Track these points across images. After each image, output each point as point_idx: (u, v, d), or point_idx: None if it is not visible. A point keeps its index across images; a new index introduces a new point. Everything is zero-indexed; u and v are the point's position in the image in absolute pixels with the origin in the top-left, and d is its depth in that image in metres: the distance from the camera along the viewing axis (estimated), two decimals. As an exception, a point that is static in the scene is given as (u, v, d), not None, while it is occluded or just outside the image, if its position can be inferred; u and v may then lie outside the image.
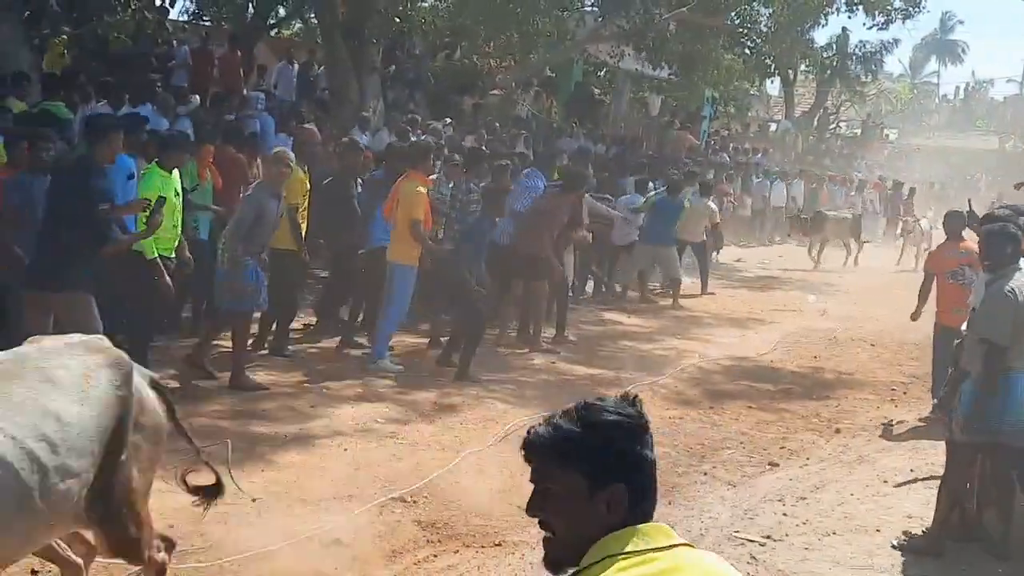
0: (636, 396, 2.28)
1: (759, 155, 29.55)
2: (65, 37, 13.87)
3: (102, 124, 7.27)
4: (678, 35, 21.78)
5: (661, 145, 25.60)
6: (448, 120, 18.31)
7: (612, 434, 2.18)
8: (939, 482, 6.43)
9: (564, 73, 24.23)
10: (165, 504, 5.03)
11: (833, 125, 39.86)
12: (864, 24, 27.93)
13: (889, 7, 26.94)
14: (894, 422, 9.38)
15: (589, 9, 22.17)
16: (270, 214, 8.64)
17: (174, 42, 16.78)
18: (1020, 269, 6.06)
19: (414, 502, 6.39)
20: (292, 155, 9.47)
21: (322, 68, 19.06)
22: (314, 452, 7.10)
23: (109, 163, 7.40)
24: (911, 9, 27.43)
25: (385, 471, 6.82)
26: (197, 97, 15.23)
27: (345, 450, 7.18)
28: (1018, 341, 5.89)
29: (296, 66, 18.90)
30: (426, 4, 19.35)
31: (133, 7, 13.05)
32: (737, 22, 21.10)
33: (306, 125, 13.39)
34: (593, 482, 2.16)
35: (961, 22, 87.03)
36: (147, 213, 7.61)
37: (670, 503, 6.75)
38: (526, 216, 11.30)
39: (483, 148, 14.23)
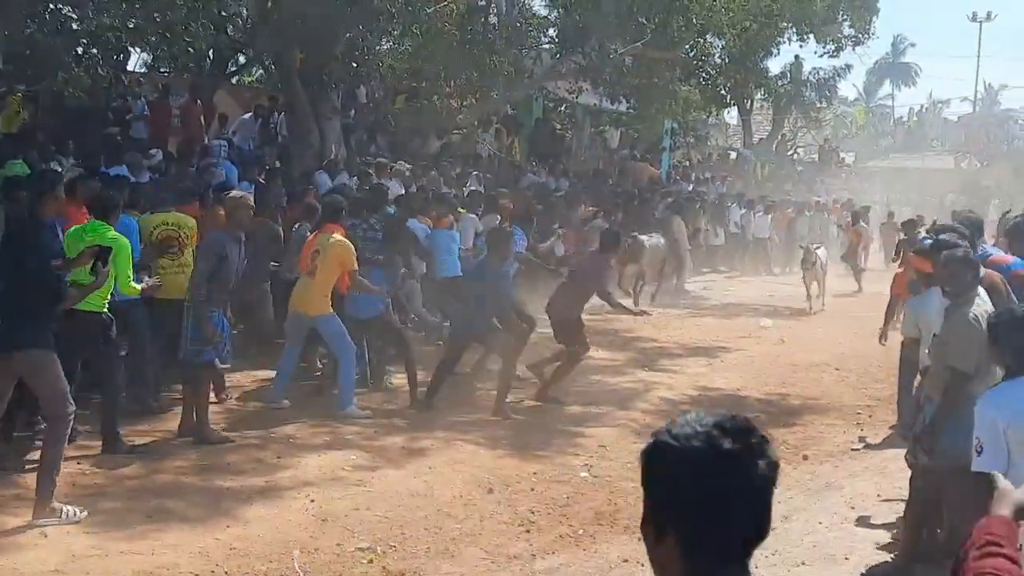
0: (742, 416, 1.86)
1: (719, 183, 29.83)
2: (19, 95, 13.80)
3: (48, 180, 7.20)
4: (634, 69, 21.98)
5: (623, 177, 25.80)
6: (408, 164, 18.38)
7: (667, 467, 1.82)
8: (905, 507, 6.48)
9: (524, 110, 24.40)
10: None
11: (791, 151, 40.29)
12: (816, 52, 28.43)
13: (839, 35, 27.45)
14: (866, 439, 9.47)
15: (546, 46, 22.34)
16: (233, 259, 8.63)
17: (128, 97, 16.73)
18: (979, 295, 6.08)
19: (383, 552, 6.35)
20: (251, 198, 9.48)
21: (281, 114, 19.09)
22: (280, 505, 7.05)
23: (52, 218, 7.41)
24: (861, 36, 27.97)
25: (352, 521, 6.78)
26: (159, 151, 15.20)
27: (312, 501, 7.13)
28: (980, 368, 5.92)
29: (255, 113, 18.91)
30: (384, 47, 19.42)
31: (87, 63, 12.99)
32: (691, 55, 21.32)
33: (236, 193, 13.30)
34: (656, 526, 1.83)
35: (913, 45, 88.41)
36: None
37: (640, 539, 6.73)
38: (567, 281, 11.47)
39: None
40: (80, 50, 13.21)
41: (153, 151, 15.21)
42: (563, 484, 7.86)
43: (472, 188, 18.14)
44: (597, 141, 28.03)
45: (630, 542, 6.71)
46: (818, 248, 18.49)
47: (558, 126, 26.68)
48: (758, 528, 1.78)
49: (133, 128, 16.44)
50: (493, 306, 10.20)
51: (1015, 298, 6.67)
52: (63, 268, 7.17)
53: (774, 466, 1.79)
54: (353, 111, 20.58)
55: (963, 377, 5.87)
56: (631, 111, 23.86)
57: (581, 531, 6.88)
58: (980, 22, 55.85)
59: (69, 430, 6.82)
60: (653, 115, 23.34)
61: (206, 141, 16.60)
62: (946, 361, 6.04)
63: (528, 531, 6.82)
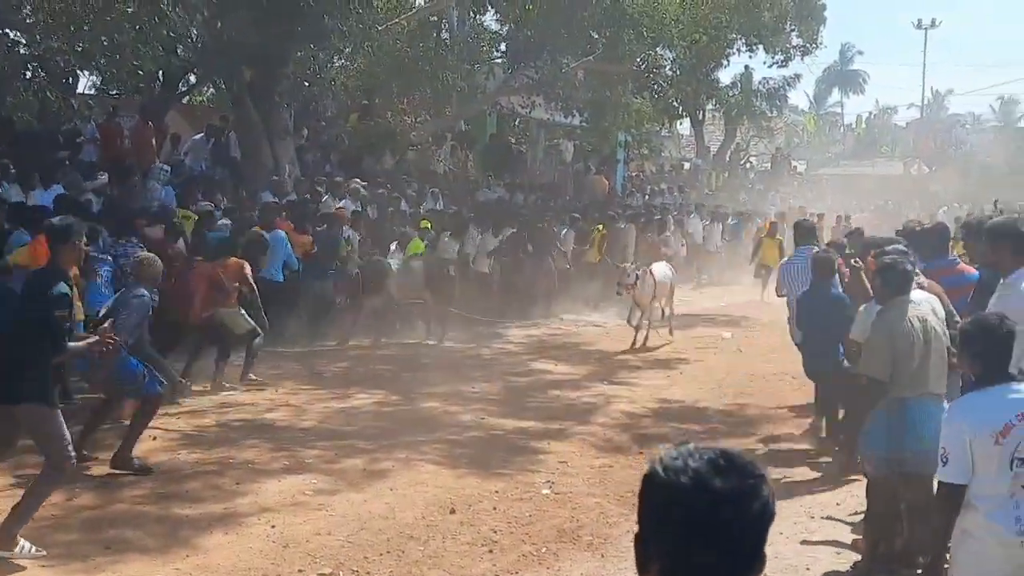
0: (740, 454, 1.81)
1: (675, 194, 30.05)
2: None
3: (67, 229, 6.92)
4: (587, 83, 22.13)
5: (579, 191, 25.91)
6: (362, 182, 18.37)
7: (653, 497, 1.78)
8: (864, 516, 6.53)
9: (478, 126, 24.44)
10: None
11: (744, 161, 40.68)
12: (765, 63, 28.74)
13: (788, 45, 27.77)
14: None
15: (499, 61, 22.42)
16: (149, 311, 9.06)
17: (77, 121, 16.55)
18: (910, 301, 6.15)
19: (345, 577, 6.30)
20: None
21: (231, 132, 18.98)
22: (241, 532, 6.96)
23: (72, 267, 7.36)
24: (809, 46, 28.31)
25: (314, 546, 6.72)
26: (106, 175, 15.04)
27: (273, 527, 7.05)
28: (905, 371, 5.98)
29: (206, 132, 18.78)
30: (336, 65, 19.38)
31: (35, 86, 12.85)
32: (643, 67, 21.48)
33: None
34: (642, 555, 1.79)
35: (860, 53, 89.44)
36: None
37: (602, 556, 6.76)
38: None
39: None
40: (28, 74, 13.03)
41: (101, 173, 15.08)
42: (525, 502, 7.84)
43: (430, 205, 18.17)
44: (552, 155, 28.13)
45: (592, 559, 6.72)
46: (654, 266, 16.04)
47: (512, 141, 26.75)
48: (746, 567, 1.74)
49: (84, 151, 16.25)
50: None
51: (954, 310, 6.77)
52: (69, 320, 6.97)
53: (767, 508, 1.74)
54: (306, 130, 20.50)
55: (876, 384, 5.96)
56: (584, 124, 23.98)
57: (544, 549, 6.86)
58: (925, 29, 56.71)
59: (62, 480, 6.75)
60: (606, 128, 23.48)
61: (157, 162, 16.46)
62: (862, 369, 6.18)
63: (491, 551, 6.80)
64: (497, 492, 8.05)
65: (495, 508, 7.67)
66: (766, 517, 1.74)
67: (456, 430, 10.24)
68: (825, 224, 25.77)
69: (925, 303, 6.23)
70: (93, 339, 7.08)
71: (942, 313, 6.32)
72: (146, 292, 8.88)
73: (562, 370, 13.68)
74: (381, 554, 6.62)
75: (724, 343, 16.28)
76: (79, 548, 6.54)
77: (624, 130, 24.90)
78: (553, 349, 15.27)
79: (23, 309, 6.65)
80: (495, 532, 7.16)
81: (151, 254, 9.48)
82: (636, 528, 1.83)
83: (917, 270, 7.15)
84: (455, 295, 15.90)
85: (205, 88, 23.98)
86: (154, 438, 9.20)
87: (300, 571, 6.33)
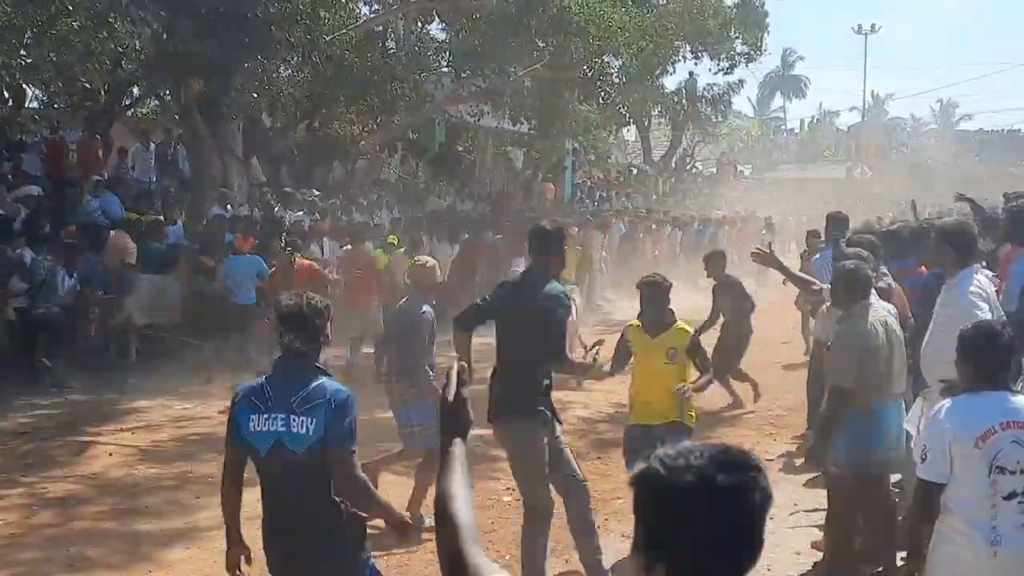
0: (738, 449, 1.83)
1: (623, 199, 30.30)
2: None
3: None
4: (534, 90, 22.23)
5: (527, 198, 26.02)
6: (316, 191, 18.35)
7: (657, 498, 1.80)
8: (825, 516, 6.65)
9: (427, 135, 24.47)
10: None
11: (690, 166, 41.08)
12: (710, 69, 29.06)
13: (732, 52, 28.08)
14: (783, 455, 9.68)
15: (446, 70, 22.47)
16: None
17: (22, 135, 16.37)
18: (871, 304, 6.21)
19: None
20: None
21: (179, 146, 18.86)
22: (203, 546, 6.94)
23: None
24: (753, 52, 28.65)
25: (279, 558, 6.71)
26: (35, 187, 14.92)
27: (236, 540, 7.03)
28: (871, 376, 6.01)
29: (153, 146, 18.64)
30: (283, 75, 19.31)
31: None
32: (590, 75, 21.63)
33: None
34: (645, 555, 1.81)
35: (802, 58, 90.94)
36: None
37: (567, 561, 6.82)
38: None
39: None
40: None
41: (30, 187, 14.96)
42: (487, 509, 7.88)
43: (383, 213, 18.20)
44: (501, 163, 28.23)
45: (557, 564, 6.78)
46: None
47: (461, 149, 26.82)
48: (748, 558, 1.79)
49: (26, 163, 16.06)
50: None
51: (909, 312, 6.89)
52: None
53: (767, 498, 1.79)
54: (254, 141, 20.41)
55: (840, 391, 5.97)
56: (533, 132, 24.08)
57: (508, 556, 6.91)
58: (865, 34, 57.65)
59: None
60: (555, 135, 23.62)
61: (104, 175, 16.35)
62: (828, 377, 6.21)
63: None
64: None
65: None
66: (766, 506, 1.79)
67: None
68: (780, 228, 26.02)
69: (881, 306, 6.33)
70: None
71: (895, 313, 6.44)
72: (428, 307, 7.85)
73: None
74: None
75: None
76: (41, 567, 6.49)
77: (572, 137, 25.06)
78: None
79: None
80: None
81: (428, 257, 8.75)
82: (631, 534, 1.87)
83: (885, 271, 7.27)
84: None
85: (149, 100, 23.81)
86: (110, 454, 9.14)
87: (266, 584, 6.31)
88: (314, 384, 4.22)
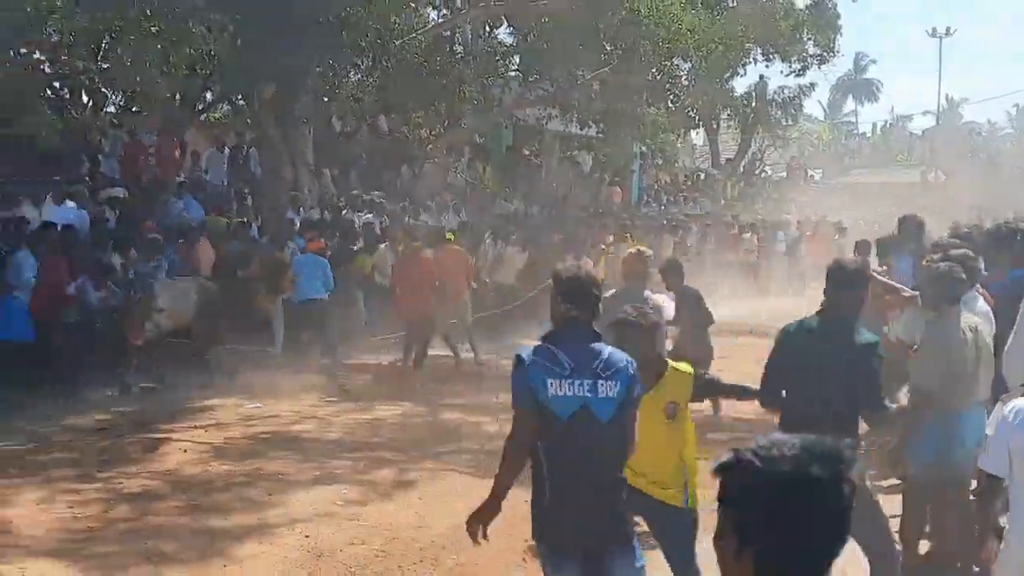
0: (829, 440, 1.85)
1: (691, 203, 30.12)
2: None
3: None
4: (601, 94, 22.18)
5: (594, 202, 25.96)
6: (378, 193, 18.51)
7: (751, 487, 1.83)
8: (899, 523, 6.53)
9: (494, 138, 24.54)
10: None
11: (759, 170, 40.66)
12: (781, 71, 28.77)
13: (804, 54, 27.77)
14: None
15: (514, 74, 22.52)
16: None
17: (102, 138, 16.75)
18: (960, 311, 6.04)
19: (380, 585, 6.36)
20: None
21: (251, 149, 19.13)
22: (275, 542, 7.04)
23: None
24: (825, 54, 28.31)
25: (348, 556, 6.78)
26: (120, 189, 15.25)
27: (307, 537, 7.12)
28: (958, 382, 5.88)
29: (226, 150, 18.94)
30: (352, 80, 19.49)
31: (59, 105, 13.02)
32: (658, 78, 21.53)
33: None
34: (734, 542, 1.85)
35: (874, 61, 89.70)
36: None
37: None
38: None
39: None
40: (52, 93, 13.18)
41: (115, 189, 15.28)
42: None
43: (450, 217, 18.31)
44: (567, 166, 28.21)
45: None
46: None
47: (527, 152, 26.84)
48: (836, 548, 1.83)
49: (104, 166, 16.43)
50: None
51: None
52: None
53: (854, 490, 1.83)
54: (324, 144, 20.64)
55: (924, 393, 5.88)
56: (600, 135, 24.03)
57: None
58: (940, 37, 56.61)
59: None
60: (622, 139, 23.55)
61: (181, 177, 16.69)
62: (913, 378, 6.10)
63: (524, 560, 6.82)
64: (527, 502, 8.07)
65: (526, 518, 7.69)
66: (853, 497, 1.83)
67: (481, 440, 10.28)
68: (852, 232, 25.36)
69: (974, 311, 6.19)
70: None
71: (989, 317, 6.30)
72: (648, 292, 7.75)
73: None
74: (415, 563, 6.68)
75: (742, 351, 16.24)
76: (118, 560, 6.62)
77: (640, 140, 24.96)
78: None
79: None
80: (528, 542, 7.18)
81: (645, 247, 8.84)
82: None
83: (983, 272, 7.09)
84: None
85: (222, 105, 24.20)
86: (184, 450, 9.29)
87: (336, 581, 6.39)
88: (608, 351, 4.33)
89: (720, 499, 1.87)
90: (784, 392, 5.48)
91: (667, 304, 9.56)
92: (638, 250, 8.02)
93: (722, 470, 1.87)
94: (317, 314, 13.53)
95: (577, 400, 4.25)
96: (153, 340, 12.06)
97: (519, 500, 7.98)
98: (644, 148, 27.76)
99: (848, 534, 1.84)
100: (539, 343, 4.44)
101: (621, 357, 4.33)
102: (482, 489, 8.23)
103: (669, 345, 9.16)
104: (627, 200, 28.50)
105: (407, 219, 17.79)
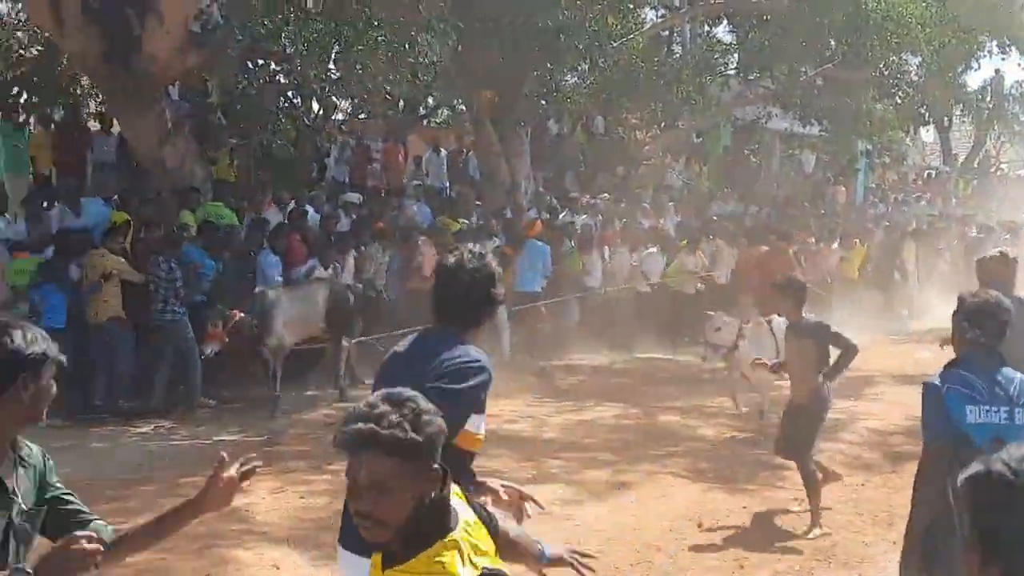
0: None
1: (922, 203, 28.82)
2: (230, 149, 14.64)
3: None
4: (825, 90, 21.55)
5: (815, 202, 25.21)
6: (606, 195, 18.58)
7: (1001, 499, 1.78)
8: None
9: (713, 138, 24.21)
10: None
11: (994, 168, 38.47)
12: (1019, 64, 27.14)
13: (1046, 45, 26.12)
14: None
15: (733, 72, 22.17)
16: None
17: (330, 144, 17.53)
18: None
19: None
20: None
21: (469, 152, 19.59)
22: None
23: None
24: (1071, 45, 26.52)
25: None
26: (355, 195, 15.90)
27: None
28: None
29: (444, 153, 19.46)
30: (569, 82, 19.67)
31: (292, 114, 13.72)
32: (886, 73, 20.72)
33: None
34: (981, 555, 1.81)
35: None
36: None
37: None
38: None
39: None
40: (285, 102, 13.89)
41: (351, 195, 15.95)
42: (773, 518, 7.72)
43: (669, 219, 18.20)
44: (789, 166, 27.53)
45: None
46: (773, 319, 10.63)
47: (747, 152, 26.32)
48: None
49: (334, 172, 17.20)
50: None
51: None
52: None
53: None
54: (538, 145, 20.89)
55: None
56: (824, 133, 23.35)
57: (798, 567, 6.73)
58: None
59: None
60: (846, 136, 22.82)
61: (404, 182, 17.28)
62: None
63: (742, 566, 6.72)
64: (744, 507, 7.96)
65: (743, 523, 7.58)
66: None
67: (697, 444, 10.20)
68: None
69: None
70: None
71: None
72: None
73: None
74: (631, 564, 6.67)
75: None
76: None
77: (865, 138, 24.09)
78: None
79: None
80: (744, 548, 7.07)
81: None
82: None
83: None
84: None
85: (441, 110, 24.91)
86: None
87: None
88: (1019, 377, 4.21)
89: (967, 512, 1.82)
90: None
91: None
92: (1001, 252, 7.48)
93: (971, 481, 1.82)
94: (531, 312, 13.66)
95: (992, 428, 4.08)
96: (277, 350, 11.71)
97: (731, 506, 7.90)
98: (869, 146, 26.78)
99: None
100: (945, 369, 4.30)
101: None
102: (696, 492, 8.21)
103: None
104: (851, 200, 27.52)
105: (624, 220, 17.78)
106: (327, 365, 12.47)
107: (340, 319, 12.09)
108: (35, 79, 16.00)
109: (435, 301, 3.85)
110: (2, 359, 2.75)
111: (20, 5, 16.02)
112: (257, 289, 12.03)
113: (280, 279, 12.56)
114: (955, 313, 4.33)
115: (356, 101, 18.16)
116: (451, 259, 3.86)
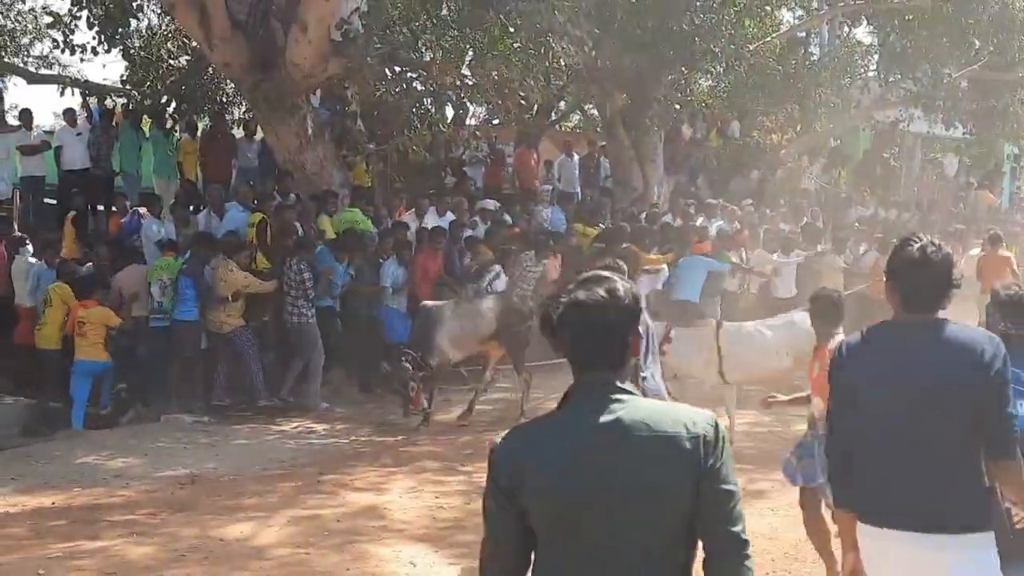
0: None
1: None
2: (368, 155, 14.96)
3: None
4: (970, 92, 20.88)
5: (959, 206, 24.41)
6: (749, 200, 18.31)
7: None
8: None
9: (851, 141, 23.68)
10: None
11: None
12: None
13: None
14: None
15: (873, 74, 21.68)
16: None
17: (465, 150, 17.74)
18: None
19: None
20: None
21: (601, 157, 19.54)
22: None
23: None
24: None
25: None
26: (491, 201, 16.05)
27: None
28: None
29: (576, 157, 19.45)
30: (703, 86, 19.49)
31: (428, 120, 13.93)
32: (1035, 73, 19.97)
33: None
34: None
35: None
36: None
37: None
38: None
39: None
40: (422, 109, 14.12)
41: (487, 201, 16.10)
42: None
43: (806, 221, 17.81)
44: (930, 169, 26.73)
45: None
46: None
47: (886, 155, 25.63)
48: None
49: (469, 178, 17.38)
50: None
51: None
52: None
53: None
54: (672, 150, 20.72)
55: None
56: (968, 136, 22.61)
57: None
58: None
59: None
60: (992, 139, 22.07)
61: (538, 186, 17.35)
62: None
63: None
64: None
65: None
66: None
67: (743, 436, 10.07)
68: None
69: None
70: None
71: None
72: None
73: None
74: (767, 573, 6.58)
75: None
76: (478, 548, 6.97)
77: (1012, 141, 23.25)
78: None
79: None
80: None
81: None
82: None
83: None
84: None
85: (573, 114, 24.93)
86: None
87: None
88: None
89: None
90: None
91: None
92: None
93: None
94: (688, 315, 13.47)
95: None
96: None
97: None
98: (1016, 149, 25.81)
99: None
100: None
101: None
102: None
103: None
104: (997, 205, 26.55)
105: (765, 227, 17.49)
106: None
107: (511, 336, 11.62)
108: (183, 88, 16.66)
109: (918, 289, 3.63)
110: None
111: (170, 18, 16.67)
112: (423, 304, 11.81)
113: (390, 289, 12.86)
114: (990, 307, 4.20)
115: (490, 106, 18.33)
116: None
